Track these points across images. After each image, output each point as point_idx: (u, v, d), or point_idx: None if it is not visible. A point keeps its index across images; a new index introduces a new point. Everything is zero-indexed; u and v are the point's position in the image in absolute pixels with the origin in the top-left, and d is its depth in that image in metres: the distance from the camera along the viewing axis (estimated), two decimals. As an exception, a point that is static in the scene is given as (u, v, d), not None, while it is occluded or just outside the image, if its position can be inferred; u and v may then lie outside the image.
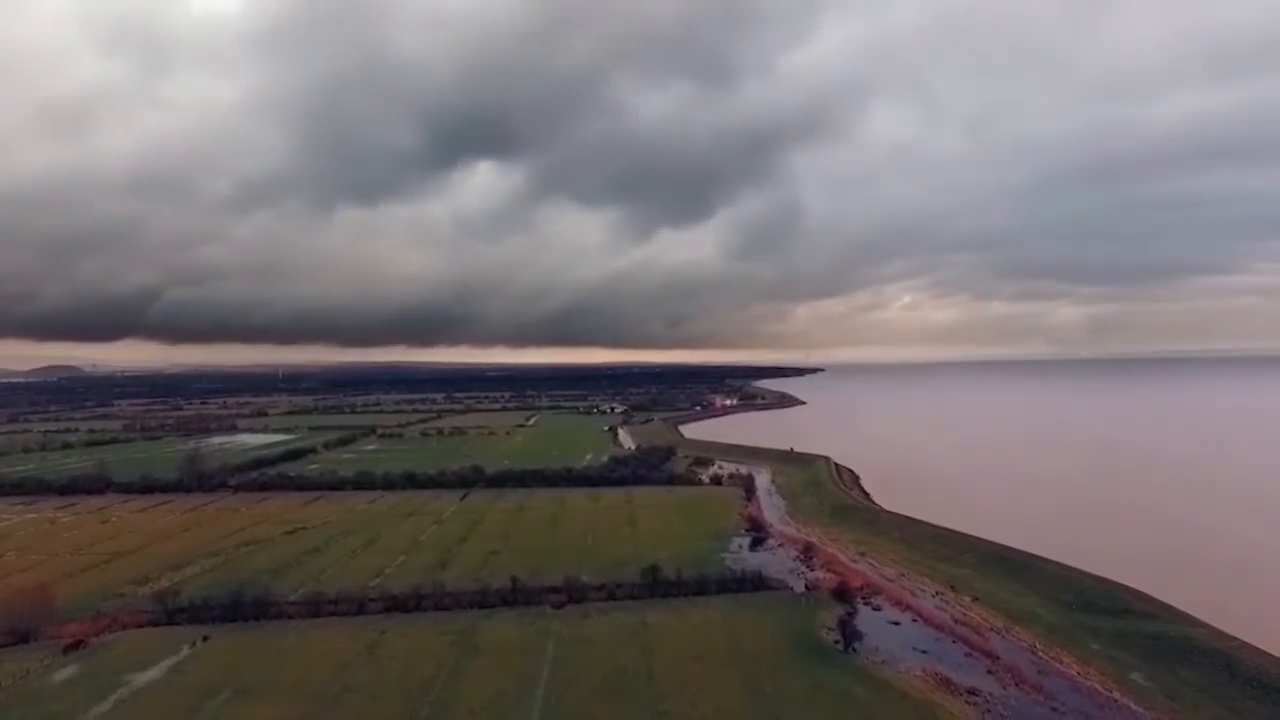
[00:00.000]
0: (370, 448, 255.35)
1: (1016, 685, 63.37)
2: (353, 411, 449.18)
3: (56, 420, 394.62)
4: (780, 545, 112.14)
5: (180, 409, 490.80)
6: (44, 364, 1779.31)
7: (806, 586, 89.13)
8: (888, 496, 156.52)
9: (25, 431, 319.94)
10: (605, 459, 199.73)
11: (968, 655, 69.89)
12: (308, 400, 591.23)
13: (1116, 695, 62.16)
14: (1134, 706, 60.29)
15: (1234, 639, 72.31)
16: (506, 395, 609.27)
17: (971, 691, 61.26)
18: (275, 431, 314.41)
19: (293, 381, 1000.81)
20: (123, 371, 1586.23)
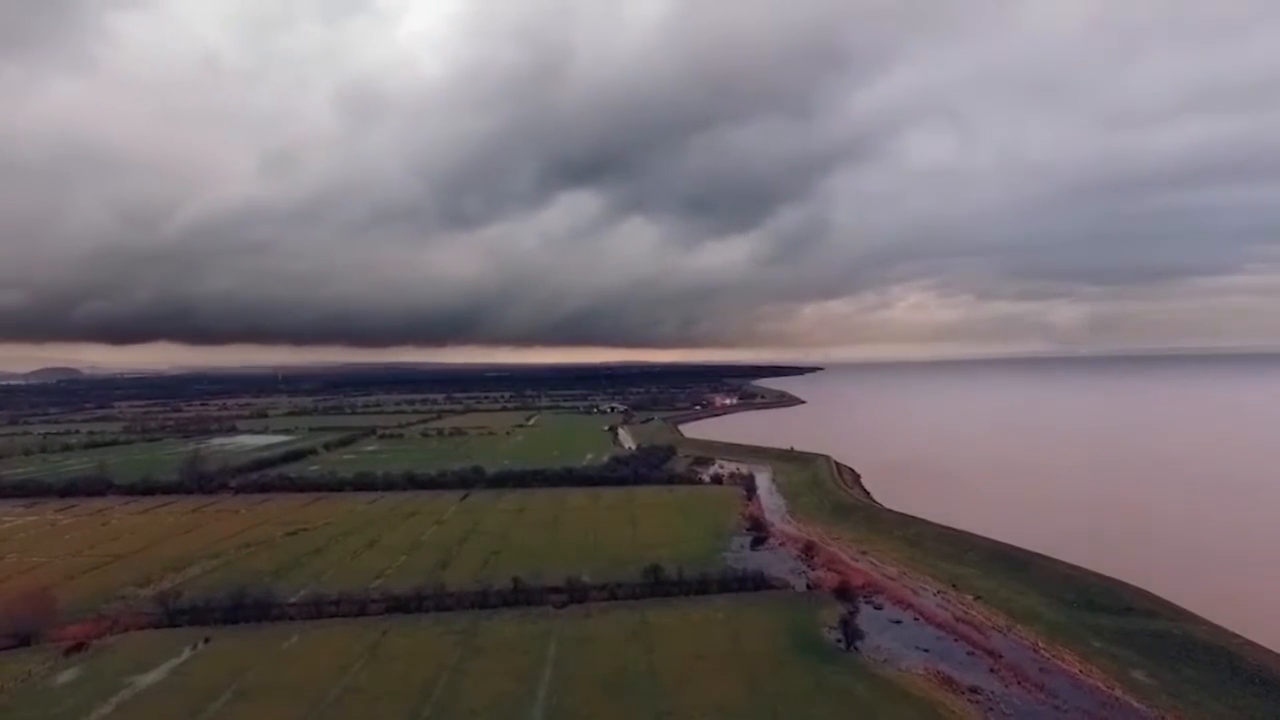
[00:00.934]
0: (370, 448, 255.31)
1: (1018, 683, 63.33)
2: (353, 412, 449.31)
3: (56, 422, 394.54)
4: (781, 544, 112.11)
5: (180, 410, 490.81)
6: (43, 365, 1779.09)
7: (808, 585, 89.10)
8: (888, 495, 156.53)
9: (25, 434, 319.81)
10: (606, 459, 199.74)
11: (970, 654, 69.85)
12: (308, 401, 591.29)
13: (1118, 693, 62.15)
14: (1136, 704, 60.27)
15: (1236, 636, 72.33)
16: (506, 395, 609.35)
17: (973, 690, 61.22)
18: (275, 433, 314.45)
19: (292, 383, 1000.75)
20: (123, 374, 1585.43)
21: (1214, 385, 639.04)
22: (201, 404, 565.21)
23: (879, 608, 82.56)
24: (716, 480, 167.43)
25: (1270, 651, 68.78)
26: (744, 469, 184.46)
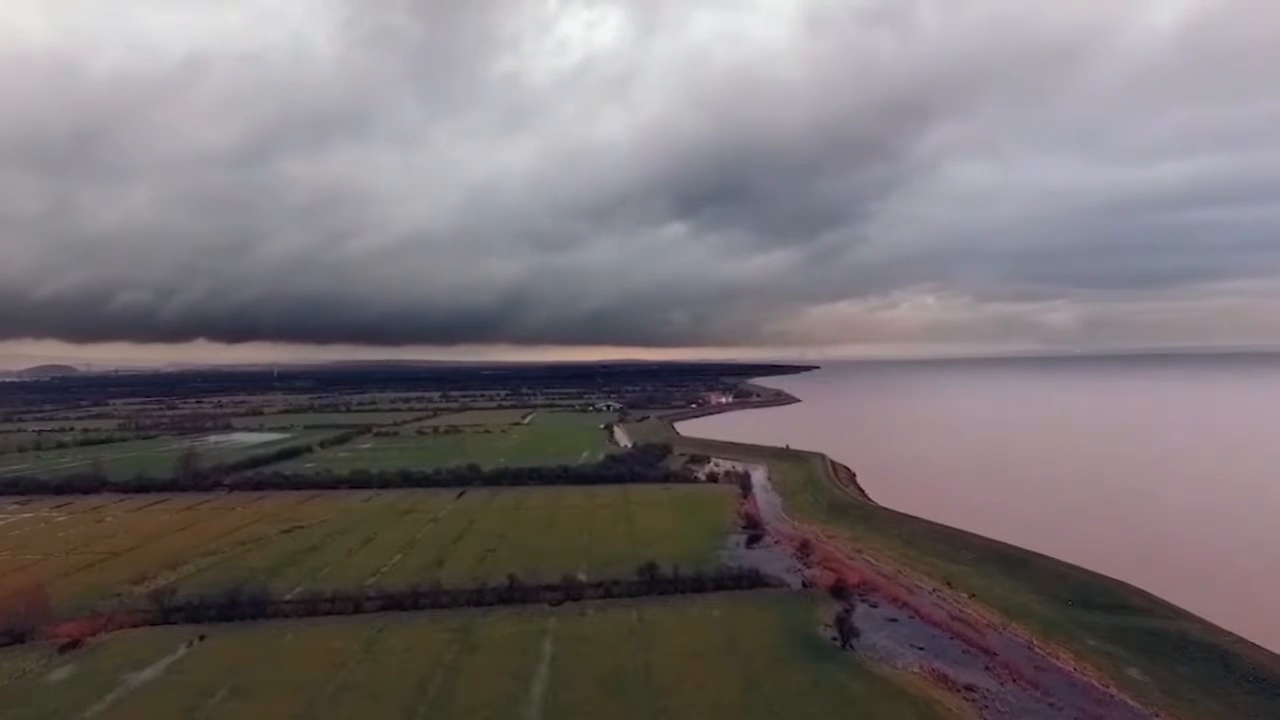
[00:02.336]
0: (366, 446, 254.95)
1: (1014, 681, 63.50)
2: (348, 410, 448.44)
3: (51, 419, 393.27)
4: (777, 542, 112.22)
5: (175, 408, 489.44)
6: (38, 363, 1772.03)
7: (804, 583, 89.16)
8: (884, 493, 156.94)
9: (19, 431, 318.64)
10: (601, 457, 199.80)
11: (965, 651, 69.98)
12: (303, 399, 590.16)
13: (1113, 691, 62.41)
14: (1131, 702, 60.53)
15: (1230, 634, 72.65)
16: (502, 394, 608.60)
17: (969, 687, 61.35)
18: (271, 430, 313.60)
19: (287, 380, 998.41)
20: (116, 370, 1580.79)
21: (1203, 382, 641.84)
22: (196, 401, 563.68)
23: (874, 606, 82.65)
24: (712, 478, 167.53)
25: (1265, 650, 69.09)
26: (740, 467, 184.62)
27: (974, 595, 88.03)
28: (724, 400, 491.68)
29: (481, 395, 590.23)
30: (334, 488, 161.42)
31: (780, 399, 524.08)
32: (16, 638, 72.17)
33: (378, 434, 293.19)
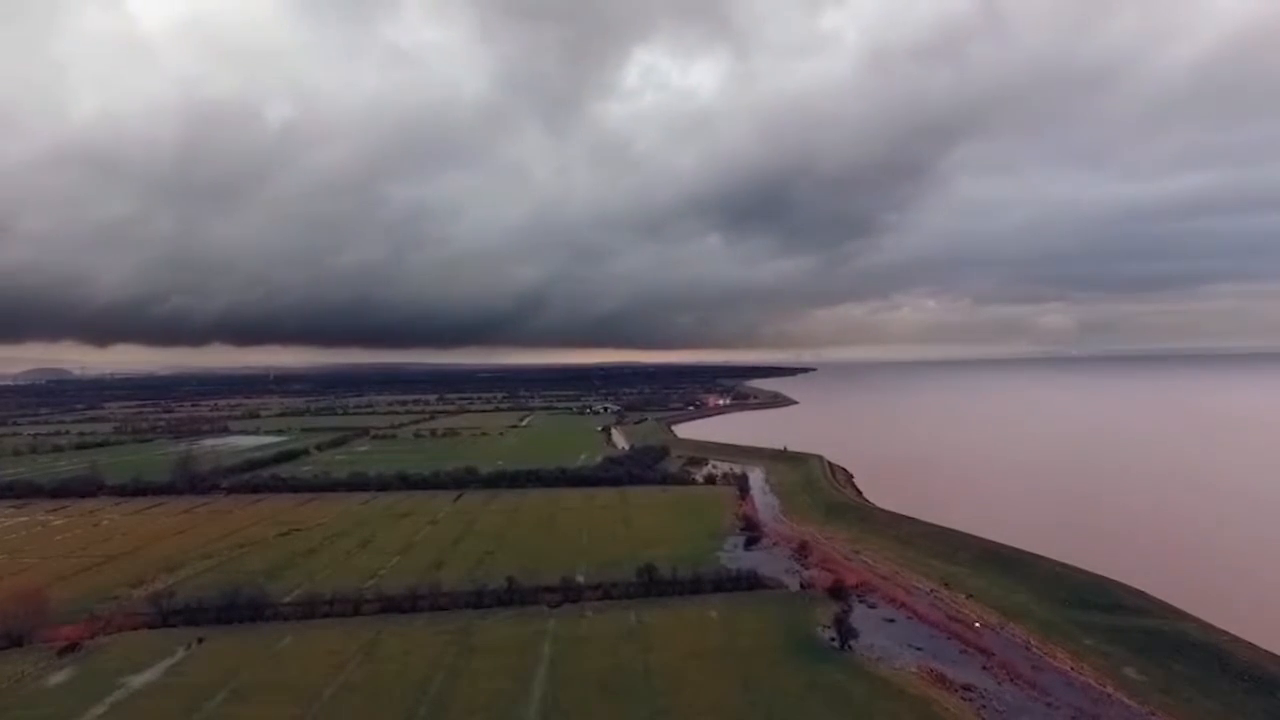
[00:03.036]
0: (363, 449, 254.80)
1: (1011, 681, 63.81)
2: (345, 413, 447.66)
3: (46, 423, 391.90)
4: (775, 544, 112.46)
5: (171, 411, 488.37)
6: (32, 366, 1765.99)
7: (801, 584, 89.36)
8: (881, 494, 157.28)
9: (15, 434, 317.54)
10: (599, 459, 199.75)
11: (962, 651, 70.31)
12: (299, 402, 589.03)
13: (1110, 690, 62.69)
14: (1127, 701, 60.81)
15: (1226, 634, 73.06)
16: (499, 396, 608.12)
17: (967, 687, 61.65)
18: (268, 433, 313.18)
19: (284, 383, 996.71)
20: (112, 373, 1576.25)
21: (1196, 382, 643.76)
22: (192, 404, 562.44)
23: (872, 606, 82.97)
24: (710, 480, 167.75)
25: (1260, 649, 69.48)
26: (737, 469, 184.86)
27: (971, 596, 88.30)
28: (721, 402, 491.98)
29: (478, 398, 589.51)
30: (332, 490, 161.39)
31: (778, 401, 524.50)
32: (14, 641, 72.08)
33: (375, 437, 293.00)
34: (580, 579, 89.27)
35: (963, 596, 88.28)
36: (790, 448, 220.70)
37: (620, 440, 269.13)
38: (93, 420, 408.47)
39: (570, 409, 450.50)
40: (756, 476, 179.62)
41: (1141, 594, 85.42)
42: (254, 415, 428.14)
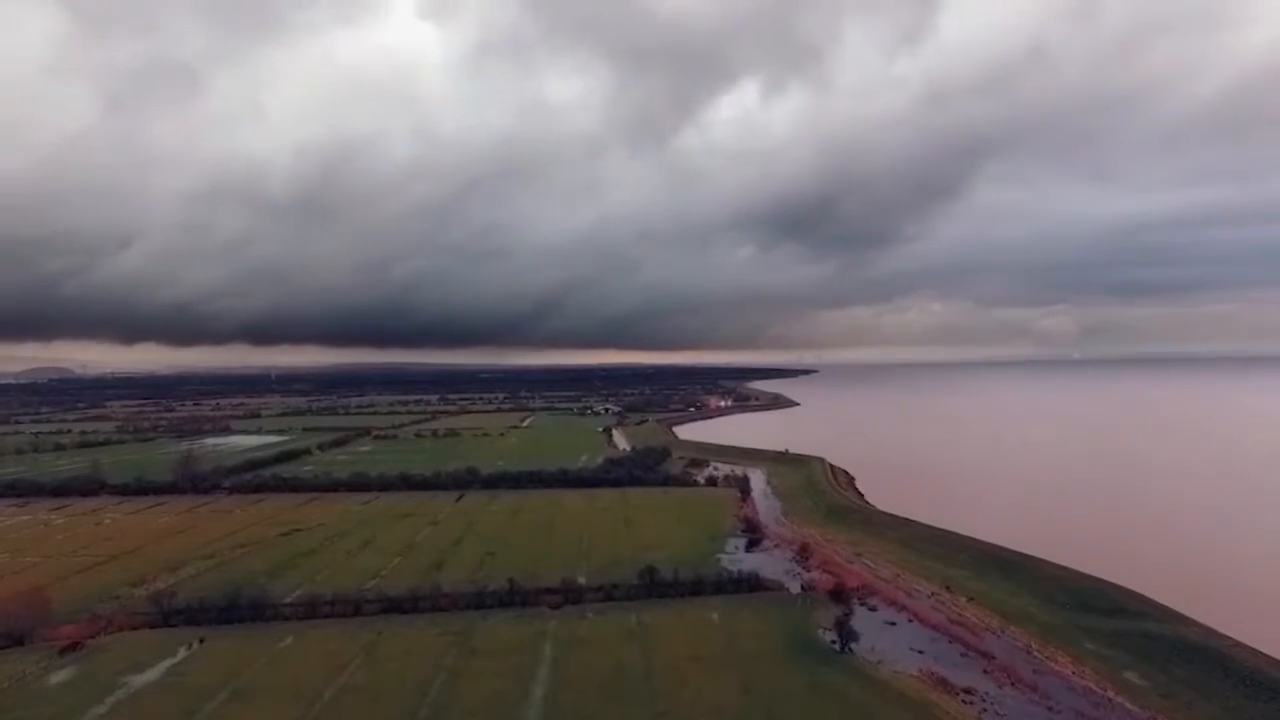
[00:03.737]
0: (365, 449, 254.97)
1: (1012, 684, 63.75)
2: (347, 413, 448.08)
3: (48, 421, 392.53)
4: (776, 546, 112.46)
5: (173, 410, 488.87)
6: (35, 365, 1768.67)
7: (803, 587, 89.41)
8: (882, 497, 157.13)
9: (16, 433, 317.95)
10: (600, 460, 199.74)
11: (964, 655, 70.26)
12: (301, 401, 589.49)
13: (1111, 694, 62.60)
14: (1129, 705, 60.71)
15: (1227, 638, 72.95)
16: (500, 397, 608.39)
17: (968, 691, 61.62)
18: (269, 433, 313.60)
19: (285, 382, 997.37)
20: (113, 373, 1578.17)
21: (1195, 385, 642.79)
22: (194, 404, 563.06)
23: (873, 609, 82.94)
24: (711, 482, 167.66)
25: (1262, 653, 69.39)
26: (739, 471, 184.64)
27: (973, 599, 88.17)
28: (723, 404, 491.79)
29: (480, 399, 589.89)
30: (333, 490, 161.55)
31: (779, 403, 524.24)
32: (16, 640, 72.25)
33: (376, 437, 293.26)
34: (581, 580, 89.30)
35: (964, 599, 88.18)
36: (792, 450, 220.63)
37: (621, 441, 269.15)
38: (94, 419, 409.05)
39: (571, 410, 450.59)
40: (758, 478, 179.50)
41: (1143, 598, 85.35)
42: (255, 415, 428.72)
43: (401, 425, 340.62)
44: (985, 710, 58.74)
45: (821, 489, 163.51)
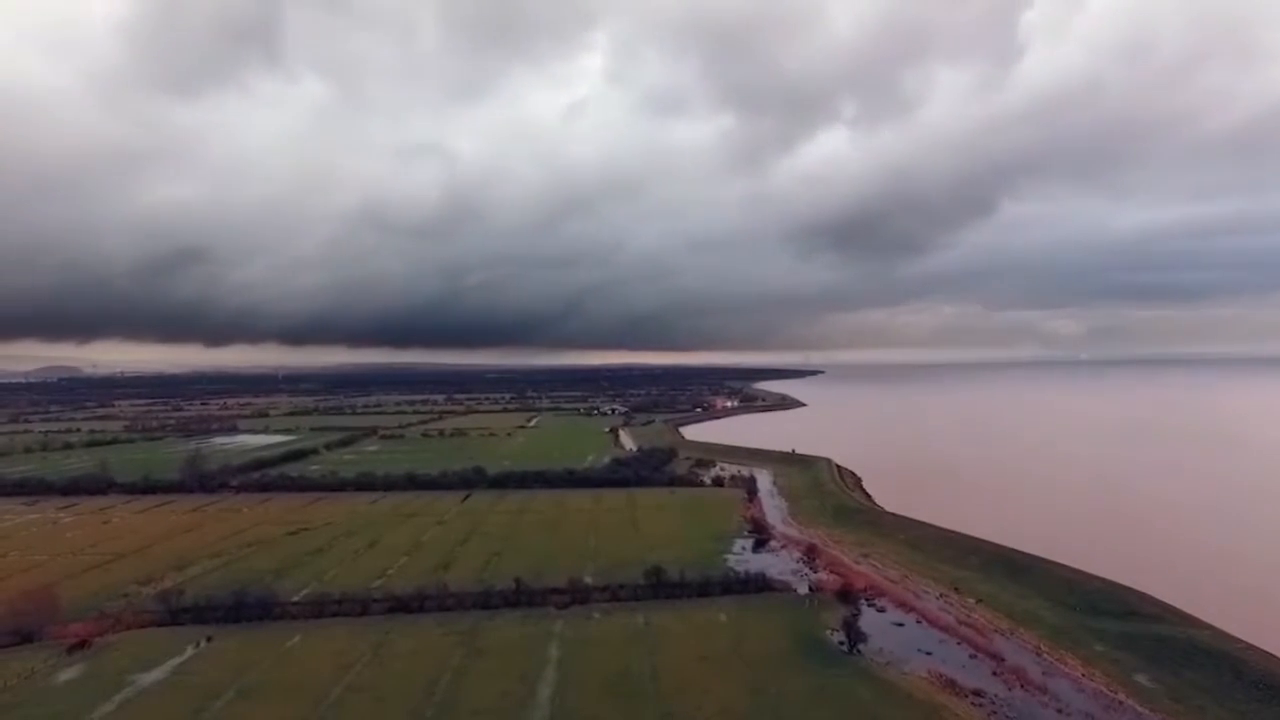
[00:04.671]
0: (371, 449, 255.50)
1: (1021, 687, 63.29)
2: (353, 412, 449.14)
3: (57, 420, 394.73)
4: (783, 547, 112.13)
5: (181, 409, 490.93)
6: (44, 364, 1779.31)
7: (810, 588, 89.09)
8: (890, 498, 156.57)
9: (26, 432, 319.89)
10: (607, 460, 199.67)
11: (972, 657, 69.82)
12: (308, 401, 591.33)
13: (1121, 697, 62.08)
14: (1139, 708, 60.19)
15: (1240, 641, 72.33)
16: (507, 397, 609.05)
17: (976, 693, 61.20)
18: (276, 432, 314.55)
19: (292, 382, 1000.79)
20: (121, 372, 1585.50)
21: (1205, 386, 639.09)
22: (202, 403, 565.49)
23: (881, 610, 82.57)
24: (718, 483, 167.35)
25: (1274, 656, 68.80)
26: (745, 471, 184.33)
27: (981, 601, 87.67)
28: (729, 404, 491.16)
29: (486, 399, 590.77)
30: (340, 490, 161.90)
31: (785, 403, 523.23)
32: (25, 638, 72.57)
33: (383, 436, 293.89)
34: (588, 580, 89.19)
35: (972, 601, 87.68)
36: (798, 450, 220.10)
37: (628, 442, 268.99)
38: (103, 418, 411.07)
39: (578, 410, 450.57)
40: (764, 479, 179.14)
41: (1154, 600, 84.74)
42: (263, 414, 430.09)
43: (408, 425, 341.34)
44: (994, 712, 58.34)
45: (828, 490, 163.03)
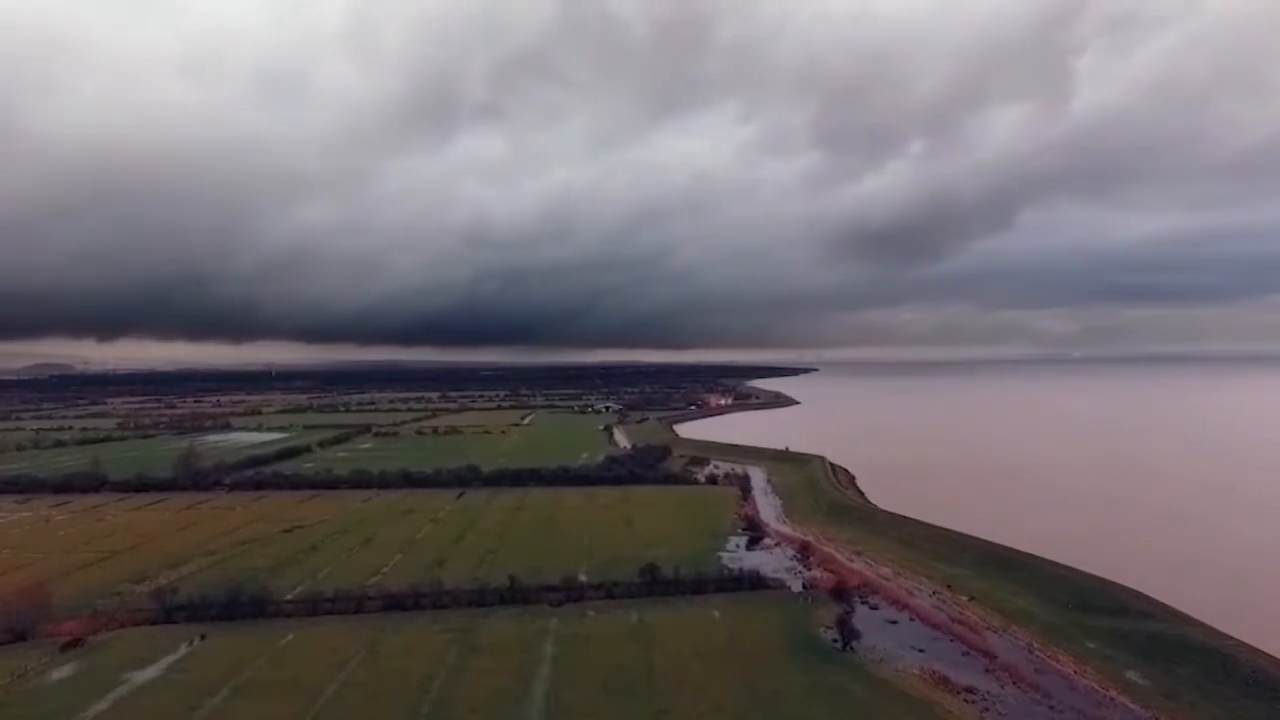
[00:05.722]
0: (366, 446, 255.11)
1: (1014, 684, 63.70)
2: (347, 410, 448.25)
3: (49, 418, 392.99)
4: (777, 544, 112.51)
5: (174, 407, 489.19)
6: (36, 361, 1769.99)
7: (804, 585, 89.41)
8: (883, 496, 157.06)
9: (18, 429, 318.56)
10: (601, 458, 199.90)
11: (965, 654, 70.25)
12: (302, 398, 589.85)
13: (1113, 694, 62.54)
14: (1131, 705, 60.66)
15: (1230, 638, 72.82)
16: (501, 394, 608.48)
17: (969, 690, 61.55)
18: (270, 429, 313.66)
19: (285, 379, 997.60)
20: (113, 369, 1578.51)
21: (1194, 384, 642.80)
22: (195, 400, 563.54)
23: (875, 608, 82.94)
24: (712, 480, 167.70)
25: (1265, 653, 69.25)
26: (739, 469, 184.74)
27: (974, 598, 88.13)
28: (723, 402, 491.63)
29: (481, 396, 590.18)
30: (334, 488, 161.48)
31: (779, 401, 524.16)
32: (18, 636, 72.30)
33: (377, 434, 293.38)
34: (582, 578, 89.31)
35: (965, 598, 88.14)
36: (792, 448, 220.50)
37: (622, 439, 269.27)
38: (96, 416, 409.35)
39: (572, 408, 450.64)
40: (758, 477, 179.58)
41: (1146, 597, 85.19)
42: (256, 412, 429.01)
43: (402, 422, 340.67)
44: (987, 709, 58.69)
45: (822, 487, 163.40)
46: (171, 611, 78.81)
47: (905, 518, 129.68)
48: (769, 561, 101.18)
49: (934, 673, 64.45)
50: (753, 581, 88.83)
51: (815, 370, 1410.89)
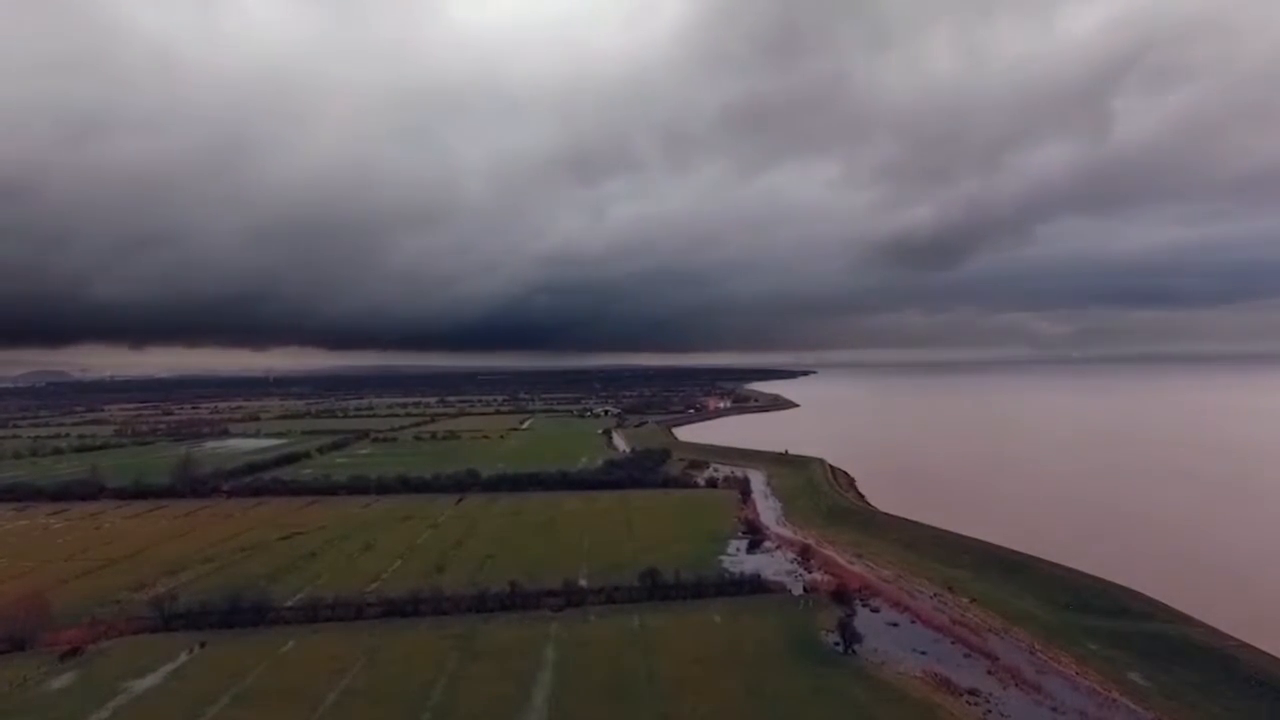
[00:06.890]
0: (364, 452, 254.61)
1: (1016, 685, 63.65)
2: (345, 415, 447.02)
3: (46, 425, 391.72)
4: (777, 547, 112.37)
5: (171, 414, 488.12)
6: (33, 369, 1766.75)
7: (805, 588, 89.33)
8: (883, 498, 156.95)
9: (15, 437, 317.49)
10: (600, 462, 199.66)
11: (967, 656, 70.17)
12: (299, 404, 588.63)
13: (1115, 695, 62.49)
14: (1132, 706, 60.61)
15: (1232, 638, 72.80)
16: (500, 399, 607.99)
17: (971, 692, 61.52)
18: (268, 436, 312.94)
19: (283, 385, 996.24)
20: (111, 376, 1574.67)
21: (1192, 384, 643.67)
22: (192, 406, 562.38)
23: (876, 610, 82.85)
24: (711, 484, 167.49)
25: (1267, 654, 69.22)
26: (739, 472, 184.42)
27: (975, 600, 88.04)
28: (722, 405, 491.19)
29: (479, 400, 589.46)
30: (333, 493, 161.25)
31: (778, 404, 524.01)
32: (17, 645, 72.04)
33: (375, 439, 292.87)
34: (583, 583, 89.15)
35: (966, 600, 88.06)
36: (791, 451, 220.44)
37: (621, 443, 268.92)
38: (92, 423, 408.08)
39: (571, 412, 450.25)
40: (758, 480, 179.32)
41: (1146, 598, 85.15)
42: (254, 418, 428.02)
43: (401, 428, 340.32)
44: (989, 711, 58.65)
45: (822, 490, 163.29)
46: (171, 619, 78.54)
47: (905, 520, 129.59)
48: (769, 565, 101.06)
49: (936, 675, 64.40)
50: (753, 585, 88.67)
51: (814, 373, 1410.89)
